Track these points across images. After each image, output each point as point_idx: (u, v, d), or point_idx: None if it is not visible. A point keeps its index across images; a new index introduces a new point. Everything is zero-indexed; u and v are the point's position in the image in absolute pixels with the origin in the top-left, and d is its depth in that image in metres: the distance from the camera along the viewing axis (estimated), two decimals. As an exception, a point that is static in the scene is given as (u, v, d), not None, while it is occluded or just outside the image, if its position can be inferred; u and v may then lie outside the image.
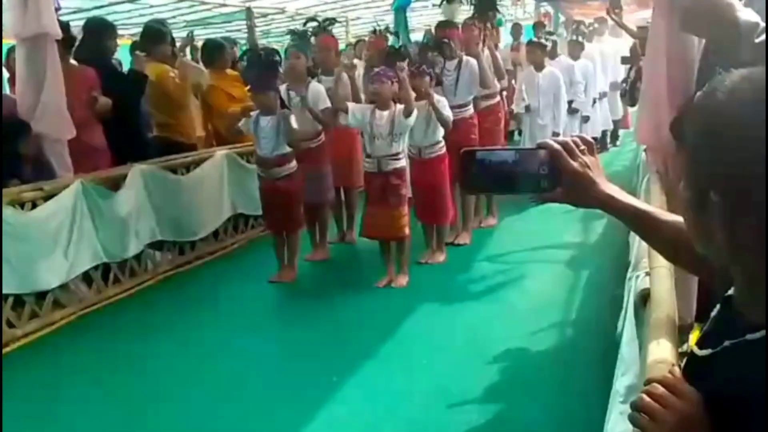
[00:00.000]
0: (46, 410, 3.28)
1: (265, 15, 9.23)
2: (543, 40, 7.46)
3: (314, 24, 5.57)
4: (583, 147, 1.15)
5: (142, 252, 4.99)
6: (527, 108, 6.81)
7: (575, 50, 8.35)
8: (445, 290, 4.65)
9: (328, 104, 5.00)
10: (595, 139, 8.77)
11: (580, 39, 8.61)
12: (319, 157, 5.22)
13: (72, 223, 4.34)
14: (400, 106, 4.50)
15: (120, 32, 8.42)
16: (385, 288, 4.66)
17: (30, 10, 4.10)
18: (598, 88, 8.81)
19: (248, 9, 8.06)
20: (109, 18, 6.44)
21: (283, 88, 5.03)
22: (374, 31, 6.24)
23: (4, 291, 3.95)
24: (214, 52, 6.04)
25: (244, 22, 8.35)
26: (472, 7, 5.93)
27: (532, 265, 5.10)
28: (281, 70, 5.20)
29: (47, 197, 4.23)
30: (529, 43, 7.08)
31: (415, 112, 4.48)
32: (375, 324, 4.10)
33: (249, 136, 5.05)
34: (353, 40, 9.63)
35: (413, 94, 4.52)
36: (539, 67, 6.79)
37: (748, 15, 2.33)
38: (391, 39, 6.11)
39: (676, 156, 3.15)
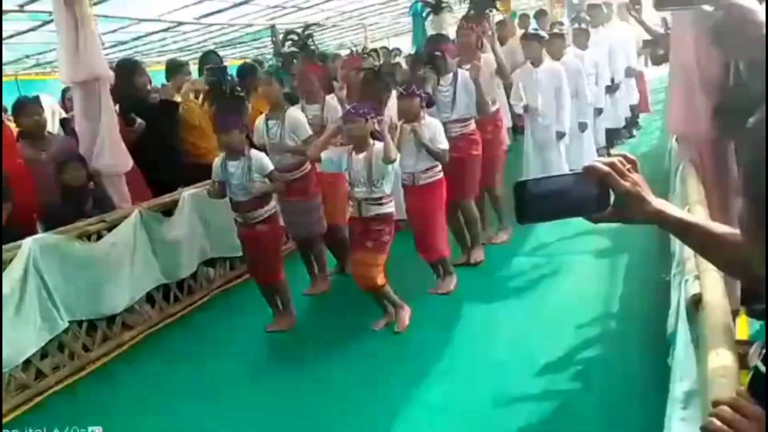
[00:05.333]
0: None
1: (289, 32, 9.34)
2: (556, 31, 7.01)
3: (294, 37, 5.05)
4: (628, 165, 1.15)
5: (197, 270, 5.25)
6: (525, 108, 5.94)
7: (581, 39, 7.48)
8: (458, 317, 4.29)
9: (309, 131, 4.57)
10: (617, 129, 8.47)
11: (583, 26, 7.71)
12: (306, 188, 4.78)
13: (133, 250, 4.60)
14: (378, 145, 3.93)
15: (157, 59, 8.72)
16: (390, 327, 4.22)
17: (81, 55, 4.37)
18: (612, 76, 8.08)
19: (272, 27, 8.27)
20: (146, 47, 6.68)
21: (261, 118, 4.70)
22: (351, 53, 5.58)
23: (79, 317, 4.25)
24: (246, 76, 6.18)
25: (270, 39, 8.54)
26: (469, 4, 5.45)
27: (566, 259, 5.06)
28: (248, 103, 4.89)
29: (110, 228, 4.49)
30: (525, 35, 6.25)
31: (397, 162, 3.97)
32: (389, 368, 3.79)
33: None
34: (370, 45, 9.65)
35: (392, 142, 3.95)
36: (537, 62, 5.96)
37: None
38: (373, 59, 5.23)
39: (711, 147, 3.27)
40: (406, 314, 4.23)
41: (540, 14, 9.12)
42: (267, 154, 4.50)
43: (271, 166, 4.22)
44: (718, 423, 0.97)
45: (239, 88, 4.52)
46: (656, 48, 6.09)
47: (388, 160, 3.86)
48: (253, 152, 4.21)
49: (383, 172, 3.93)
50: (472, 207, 5.09)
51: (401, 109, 4.35)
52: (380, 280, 4.09)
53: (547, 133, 5.95)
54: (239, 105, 4.30)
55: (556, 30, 7.20)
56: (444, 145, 4.35)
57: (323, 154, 4.14)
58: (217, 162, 4.23)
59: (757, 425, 0.93)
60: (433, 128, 4.31)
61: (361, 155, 3.95)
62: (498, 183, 5.43)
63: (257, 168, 4.12)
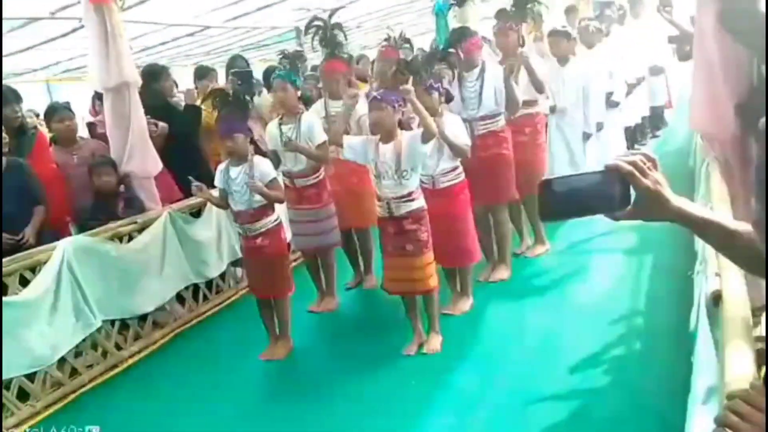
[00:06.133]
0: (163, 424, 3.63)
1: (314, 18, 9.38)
2: (591, 27, 7.01)
3: (318, 25, 4.67)
4: (649, 164, 1.17)
5: (226, 270, 5.34)
6: (552, 109, 5.74)
7: (592, 38, 7.17)
8: (486, 344, 3.99)
9: (325, 137, 4.36)
10: (638, 127, 8.32)
11: (597, 25, 7.42)
12: (318, 197, 4.60)
13: (164, 250, 4.71)
14: (408, 134, 3.77)
15: (184, 62, 8.85)
16: (416, 355, 3.90)
17: (112, 61, 4.48)
18: (635, 73, 7.94)
19: (297, 28, 8.35)
20: (174, 50, 6.78)
21: (275, 122, 4.54)
22: (387, 39, 5.15)
23: (112, 317, 4.37)
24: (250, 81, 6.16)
25: (295, 41, 8.63)
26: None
27: (592, 257, 5.05)
28: (254, 104, 4.71)
29: (141, 229, 4.60)
30: (552, 32, 5.98)
31: (430, 145, 3.75)
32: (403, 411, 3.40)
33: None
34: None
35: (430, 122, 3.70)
36: (563, 60, 5.77)
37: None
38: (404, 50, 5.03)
39: (735, 144, 3.25)
40: (439, 339, 3.97)
41: (570, 11, 8.89)
42: (279, 160, 4.50)
43: (273, 174, 4.02)
44: (732, 417, 0.99)
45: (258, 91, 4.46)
46: (683, 44, 6.02)
47: (428, 136, 3.63)
48: (257, 158, 4.02)
49: (414, 162, 3.72)
50: (505, 213, 4.85)
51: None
52: (433, 281, 3.89)
53: (574, 133, 5.84)
54: (244, 109, 4.09)
55: (583, 25, 7.18)
56: (465, 139, 4.10)
57: (345, 140, 3.90)
58: (220, 168, 4.06)
59: None
60: (452, 124, 4.07)
61: (390, 145, 3.74)
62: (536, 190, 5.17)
63: (259, 174, 3.92)
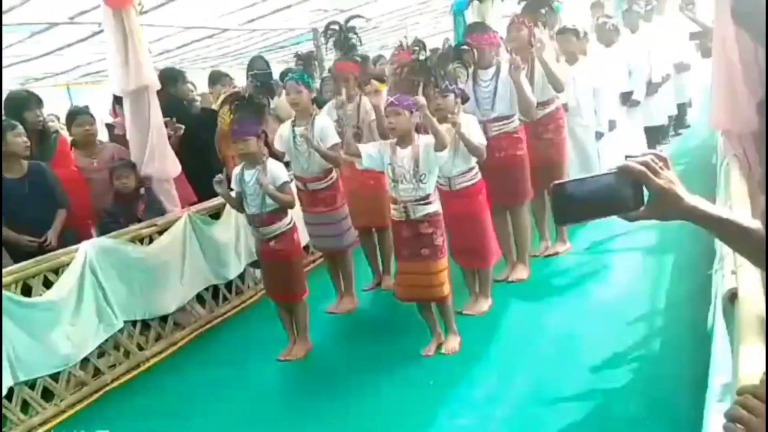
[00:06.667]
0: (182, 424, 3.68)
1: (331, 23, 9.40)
2: (609, 25, 6.93)
3: (334, 29, 4.75)
4: (661, 163, 1.17)
5: (245, 271, 5.38)
6: (565, 107, 5.48)
7: (609, 36, 7.08)
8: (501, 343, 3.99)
9: (337, 139, 4.33)
10: (661, 127, 8.16)
11: (613, 22, 7.30)
12: (333, 198, 4.60)
13: (184, 252, 4.76)
14: (425, 138, 3.74)
15: (202, 65, 8.93)
16: (434, 355, 3.91)
17: (131, 65, 4.54)
18: (662, 70, 7.76)
19: (314, 30, 8.38)
20: (193, 53, 6.85)
21: (287, 123, 4.53)
22: (400, 45, 5.17)
23: (134, 318, 4.44)
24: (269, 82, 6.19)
25: (312, 42, 8.66)
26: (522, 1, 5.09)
27: (611, 256, 5.03)
28: (271, 106, 4.66)
29: (161, 231, 4.66)
30: (561, 30, 5.86)
31: (447, 148, 3.75)
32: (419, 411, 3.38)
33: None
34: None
35: (444, 128, 3.75)
36: (573, 59, 5.66)
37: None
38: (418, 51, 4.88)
39: (755, 141, 3.23)
40: (457, 340, 3.97)
41: (595, 6, 8.66)
42: (290, 162, 4.50)
43: (284, 178, 4.01)
44: (741, 411, 0.99)
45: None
46: (706, 40, 5.95)
47: (441, 149, 3.63)
48: (270, 161, 4.02)
49: (431, 166, 3.71)
50: (524, 214, 4.80)
51: (435, 109, 4.01)
52: (446, 288, 3.86)
53: (586, 133, 5.75)
54: (258, 112, 4.05)
55: (600, 22, 7.11)
56: (481, 139, 4.07)
57: (362, 149, 3.87)
58: (235, 171, 4.09)
59: None
60: (467, 124, 4.04)
61: (407, 149, 3.73)
62: None
63: (271, 177, 3.92)
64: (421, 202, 3.75)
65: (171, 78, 5.42)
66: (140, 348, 4.50)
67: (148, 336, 4.58)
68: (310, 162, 4.44)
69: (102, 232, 4.51)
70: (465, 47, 4.38)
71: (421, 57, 4.50)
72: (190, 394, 4.01)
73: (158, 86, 4.77)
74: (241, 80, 7.08)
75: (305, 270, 4.68)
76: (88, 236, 4.45)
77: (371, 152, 3.86)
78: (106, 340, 4.21)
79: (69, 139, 4.94)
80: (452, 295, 3.97)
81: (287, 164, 4.51)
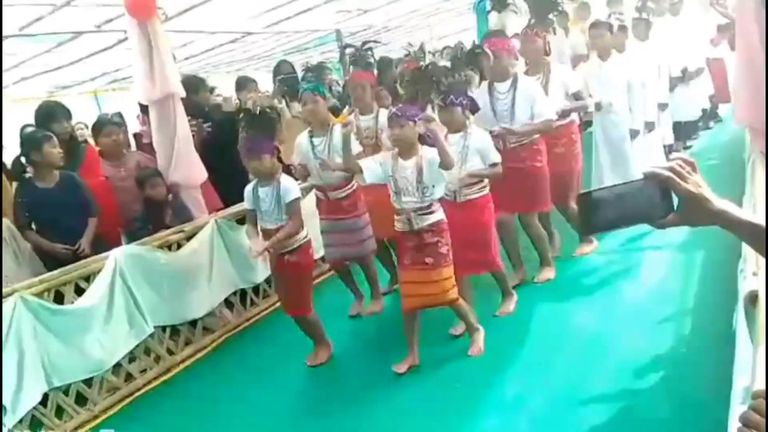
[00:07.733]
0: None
1: (353, 33, 9.53)
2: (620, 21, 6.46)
3: (352, 51, 4.84)
4: (688, 168, 1.14)
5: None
6: (597, 106, 5.35)
7: (642, 30, 6.80)
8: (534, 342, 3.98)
9: (359, 148, 4.31)
10: (693, 123, 8.01)
11: (644, 16, 7.00)
12: (354, 206, 4.61)
13: (211, 257, 4.83)
14: (428, 150, 3.64)
15: (227, 69, 9.02)
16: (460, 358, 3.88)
17: (156, 74, 4.61)
18: (692, 64, 7.51)
19: (338, 31, 8.42)
20: (217, 57, 6.91)
21: (305, 134, 4.51)
22: (407, 54, 5.13)
23: (164, 323, 4.51)
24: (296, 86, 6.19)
25: (336, 43, 8.71)
26: (529, 14, 5.01)
27: (639, 256, 4.97)
28: (280, 126, 4.45)
29: (189, 237, 4.73)
30: (594, 24, 5.60)
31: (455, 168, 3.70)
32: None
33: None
34: (437, 44, 9.56)
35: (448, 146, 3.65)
36: (605, 54, 5.45)
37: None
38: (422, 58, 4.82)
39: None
40: (480, 336, 3.94)
41: (612, 3, 8.66)
42: (308, 173, 4.52)
43: (294, 195, 3.90)
44: (754, 414, 0.99)
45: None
46: (734, 34, 5.80)
47: (447, 167, 3.57)
48: (283, 177, 3.96)
49: (436, 178, 3.64)
50: (534, 218, 4.78)
51: (442, 122, 3.95)
52: (453, 293, 3.78)
53: (619, 131, 5.52)
54: (271, 129, 3.90)
55: (615, 19, 6.99)
56: (495, 157, 4.00)
57: (363, 164, 3.79)
58: (248, 189, 3.99)
59: None
60: (480, 141, 3.96)
61: (411, 161, 3.65)
62: (572, 199, 4.86)
63: (283, 194, 3.86)
64: (424, 211, 3.69)
65: (192, 86, 5.49)
66: (170, 353, 4.57)
67: (178, 341, 4.65)
68: (330, 172, 4.42)
69: (132, 239, 4.59)
70: (479, 50, 4.27)
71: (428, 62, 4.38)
72: (219, 398, 4.06)
73: (183, 93, 4.84)
74: (266, 83, 7.13)
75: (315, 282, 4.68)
76: (118, 244, 4.54)
77: (372, 165, 3.79)
78: (137, 346, 4.29)
79: (96, 148, 5.03)
80: (473, 298, 3.95)
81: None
